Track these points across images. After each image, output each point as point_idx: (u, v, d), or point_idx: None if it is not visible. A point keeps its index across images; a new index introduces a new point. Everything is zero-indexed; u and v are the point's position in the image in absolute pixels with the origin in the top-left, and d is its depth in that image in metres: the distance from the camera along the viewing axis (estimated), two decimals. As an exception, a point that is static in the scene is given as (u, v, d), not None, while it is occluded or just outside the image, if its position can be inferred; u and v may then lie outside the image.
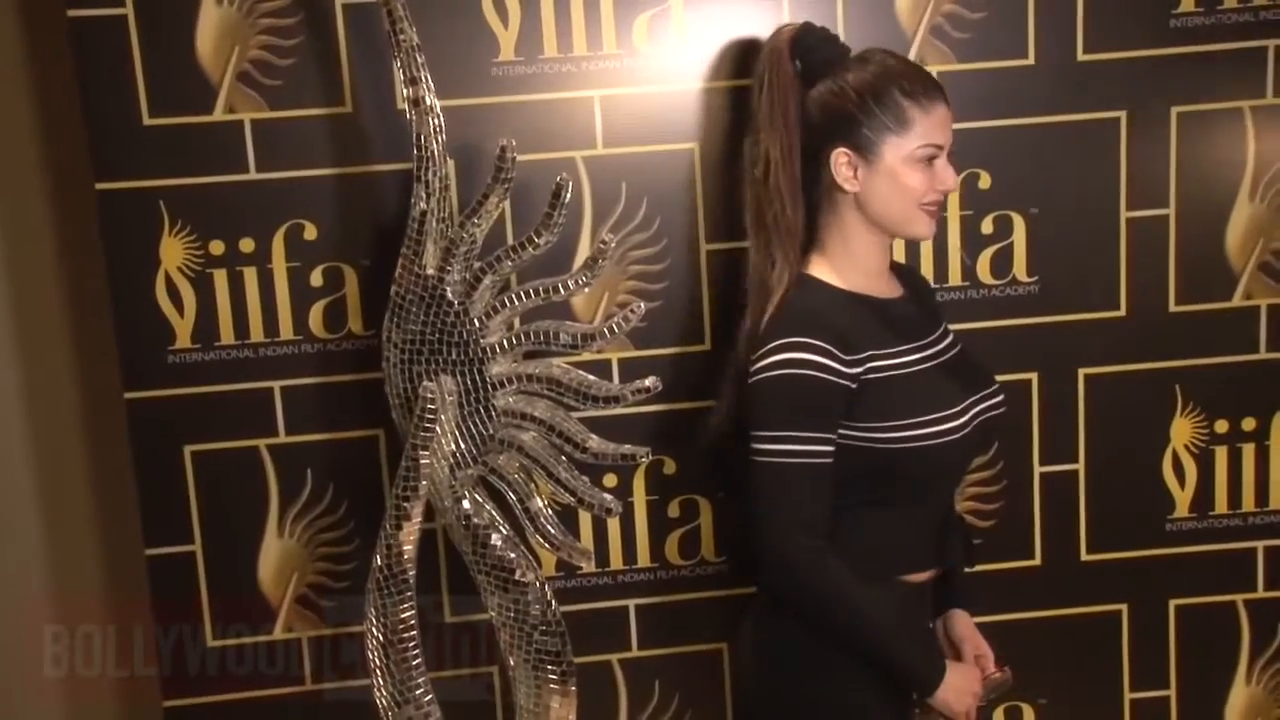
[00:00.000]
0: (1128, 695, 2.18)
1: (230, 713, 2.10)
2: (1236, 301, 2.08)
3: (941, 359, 1.70)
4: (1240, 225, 2.06)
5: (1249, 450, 2.12)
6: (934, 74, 1.68)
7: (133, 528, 2.07)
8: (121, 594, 2.31)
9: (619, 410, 1.83)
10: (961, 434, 1.65)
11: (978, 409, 1.68)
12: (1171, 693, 2.19)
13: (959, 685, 1.65)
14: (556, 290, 1.77)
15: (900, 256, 1.94)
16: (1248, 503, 2.14)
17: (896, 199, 1.65)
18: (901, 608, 1.70)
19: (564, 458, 1.82)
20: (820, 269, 1.71)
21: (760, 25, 1.96)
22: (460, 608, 2.10)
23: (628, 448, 1.79)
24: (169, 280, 1.97)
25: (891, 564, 1.71)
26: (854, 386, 1.62)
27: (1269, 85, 2.02)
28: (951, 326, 1.81)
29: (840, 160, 1.65)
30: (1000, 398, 1.73)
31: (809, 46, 1.70)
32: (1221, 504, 2.14)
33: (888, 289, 1.74)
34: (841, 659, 1.65)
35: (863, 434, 1.62)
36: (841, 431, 1.62)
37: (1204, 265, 2.07)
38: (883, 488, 1.67)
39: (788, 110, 1.68)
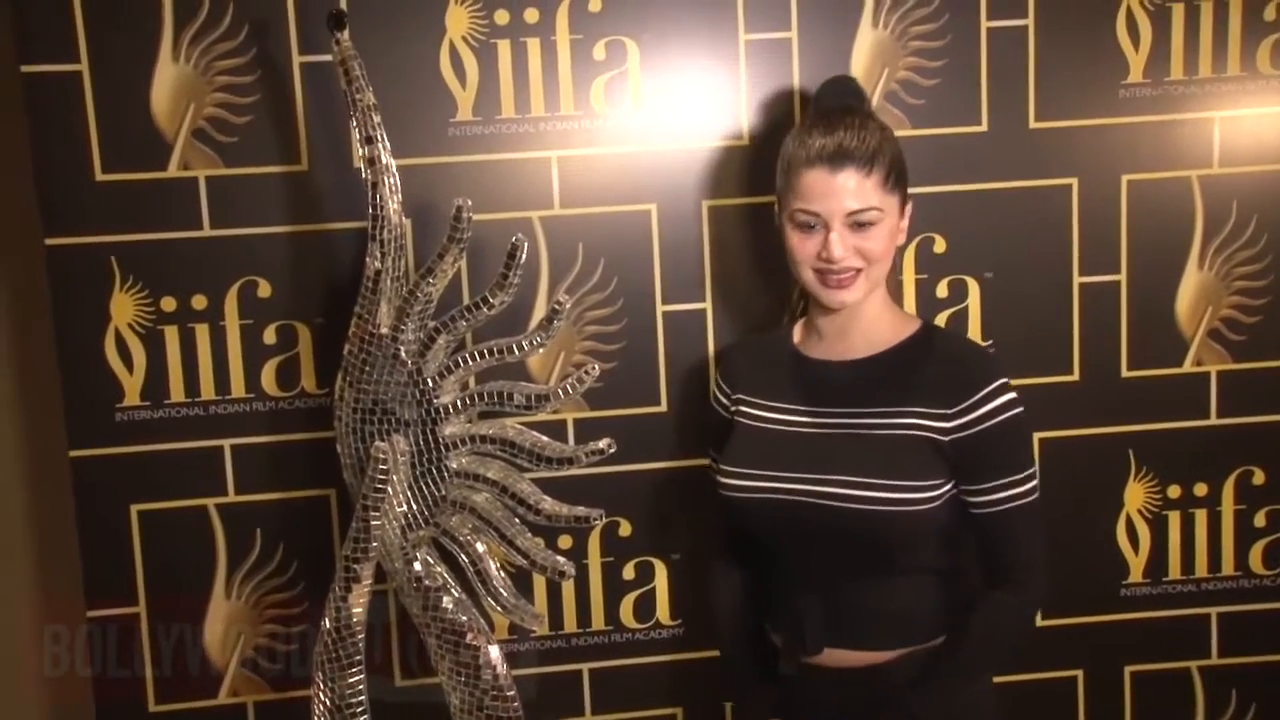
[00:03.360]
0: (1083, 765, 2.16)
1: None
2: (1187, 367, 2.09)
3: (810, 429, 1.65)
4: (1189, 292, 2.07)
5: (1201, 516, 2.12)
6: (863, 142, 1.58)
7: (75, 588, 2.03)
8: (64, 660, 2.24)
9: (574, 472, 1.79)
10: (749, 497, 1.63)
11: (784, 486, 1.61)
12: (1127, 762, 2.16)
13: None
14: (512, 351, 1.74)
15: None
16: (1200, 568, 2.13)
17: (789, 259, 1.64)
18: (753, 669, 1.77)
19: (517, 520, 1.78)
20: (799, 323, 1.77)
21: (716, 88, 1.98)
22: (411, 672, 2.06)
23: (581, 510, 1.76)
24: (119, 337, 1.95)
25: (758, 606, 1.79)
26: (730, 419, 1.76)
27: (1215, 155, 2.05)
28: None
29: (776, 211, 1.69)
30: (845, 492, 1.56)
31: (818, 96, 1.72)
32: (1175, 569, 2.13)
33: (836, 351, 1.69)
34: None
35: None
36: None
37: (1155, 331, 2.08)
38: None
39: None
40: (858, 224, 1.57)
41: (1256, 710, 2.17)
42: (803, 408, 1.67)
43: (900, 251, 1.85)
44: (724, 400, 1.79)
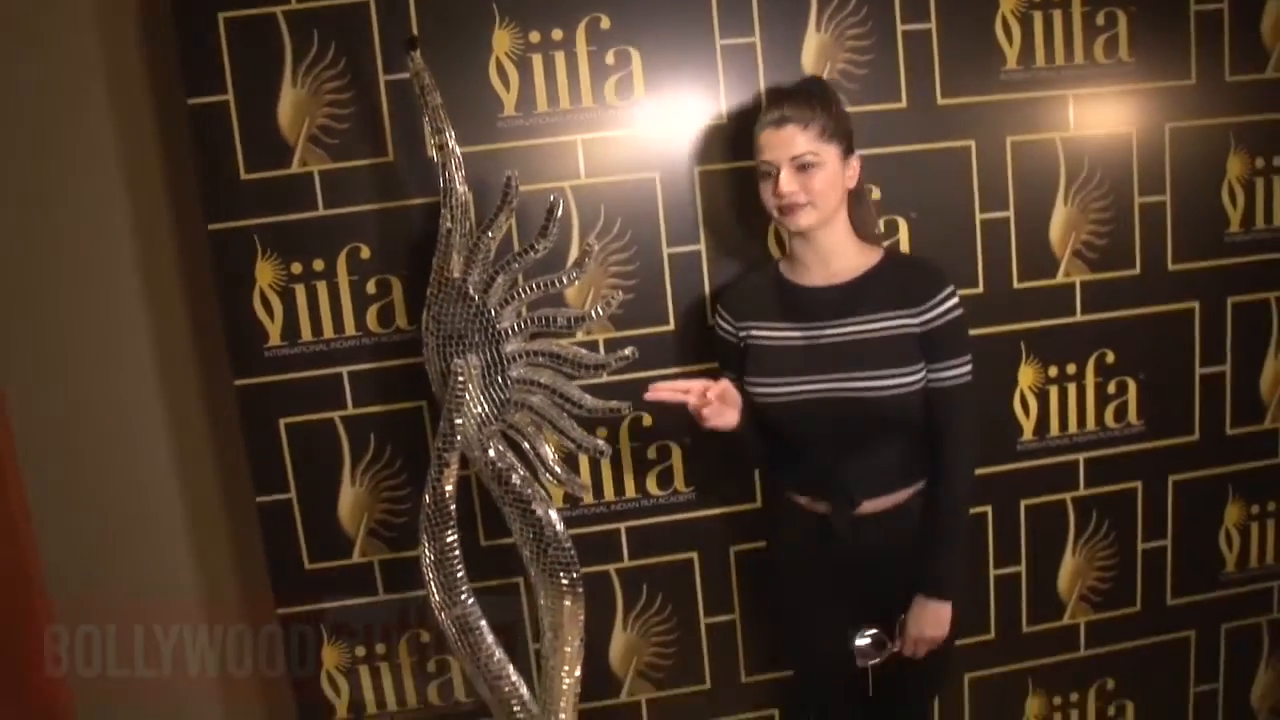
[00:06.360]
0: (993, 572, 2.09)
1: (322, 616, 1.98)
2: (1059, 279, 2.04)
3: (814, 340, 1.60)
4: (1059, 223, 2.03)
5: (1072, 388, 2.10)
6: (799, 106, 1.52)
7: (245, 481, 1.96)
8: (242, 534, 2.12)
9: (606, 379, 1.76)
10: (787, 399, 1.60)
11: (810, 387, 1.58)
12: (1023, 568, 2.13)
13: None
14: (553, 285, 1.69)
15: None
16: (1072, 427, 2.11)
17: (763, 202, 1.62)
18: (799, 530, 1.67)
19: (565, 414, 1.67)
20: (782, 261, 1.71)
21: (700, 82, 1.90)
22: (492, 534, 1.96)
23: (614, 403, 1.70)
24: (262, 294, 1.91)
25: (784, 479, 1.72)
26: (741, 345, 1.68)
27: (1071, 121, 1.99)
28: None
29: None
30: (853, 384, 1.53)
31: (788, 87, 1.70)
32: (1055, 429, 2.11)
33: (820, 278, 1.64)
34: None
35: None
36: None
37: (1035, 253, 2.04)
38: (769, 423, 1.67)
39: None
40: (801, 166, 1.56)
41: (1110, 524, 2.12)
42: (801, 324, 1.63)
43: (862, 194, 1.65)
44: (729, 329, 1.72)
